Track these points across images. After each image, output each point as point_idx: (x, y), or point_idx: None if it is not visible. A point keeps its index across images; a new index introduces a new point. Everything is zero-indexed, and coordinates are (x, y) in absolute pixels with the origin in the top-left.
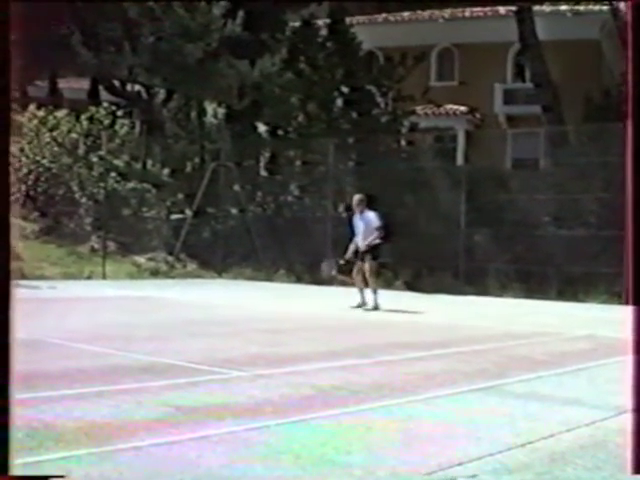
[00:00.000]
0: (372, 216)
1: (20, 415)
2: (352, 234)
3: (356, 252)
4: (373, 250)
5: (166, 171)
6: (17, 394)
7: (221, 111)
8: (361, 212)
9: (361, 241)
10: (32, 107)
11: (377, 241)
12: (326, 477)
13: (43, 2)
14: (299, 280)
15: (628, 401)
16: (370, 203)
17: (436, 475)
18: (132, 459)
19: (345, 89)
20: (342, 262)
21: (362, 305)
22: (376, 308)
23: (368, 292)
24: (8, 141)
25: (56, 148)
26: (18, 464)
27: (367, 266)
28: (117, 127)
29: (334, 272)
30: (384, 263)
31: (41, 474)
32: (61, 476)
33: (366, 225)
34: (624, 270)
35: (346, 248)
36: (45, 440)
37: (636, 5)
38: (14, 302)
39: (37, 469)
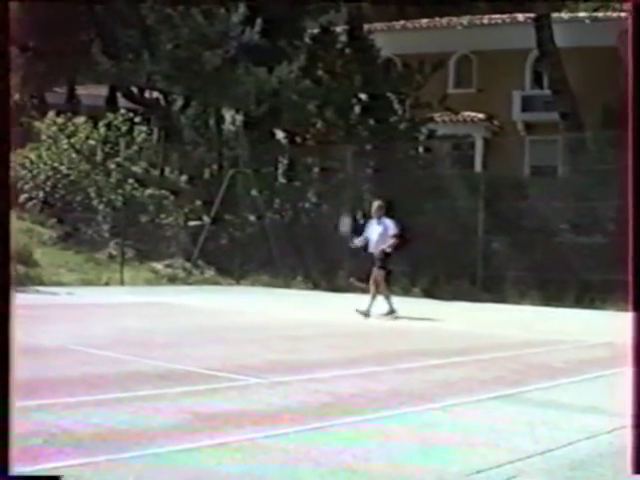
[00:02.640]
0: (389, 223)
1: (40, 421)
2: (364, 238)
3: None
4: (384, 258)
5: (184, 178)
6: (37, 400)
7: (239, 118)
8: (379, 218)
9: (374, 247)
10: (51, 114)
11: (389, 249)
12: None
13: (62, 9)
14: (316, 287)
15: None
16: (388, 210)
17: None
18: (150, 466)
19: (363, 96)
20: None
21: (392, 312)
22: (392, 312)
23: (379, 298)
24: (8, 145)
25: (74, 155)
26: (37, 469)
27: (376, 272)
28: (135, 134)
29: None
30: (390, 271)
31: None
32: (56, 477)
33: (384, 231)
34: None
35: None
36: (64, 446)
37: (636, 5)
38: (14, 303)
39: (56, 475)
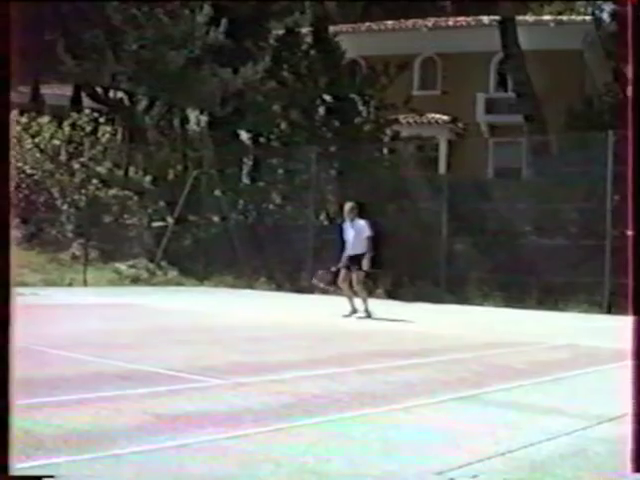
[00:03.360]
0: (363, 225)
1: None
2: (342, 242)
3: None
4: (361, 259)
5: (148, 178)
6: None
7: (203, 119)
8: (352, 220)
9: (350, 249)
10: (14, 113)
11: (366, 251)
12: None
13: (26, 8)
14: (280, 288)
15: (610, 411)
16: (361, 212)
17: None
18: (112, 467)
19: (328, 97)
20: (335, 270)
21: (354, 313)
22: (369, 316)
23: (357, 300)
24: (8, 144)
25: (38, 154)
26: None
27: (355, 276)
28: (99, 134)
29: (324, 285)
30: (367, 272)
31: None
32: (51, 476)
33: (357, 233)
34: (605, 279)
35: (339, 257)
36: (25, 447)
37: (636, 5)
38: (15, 303)
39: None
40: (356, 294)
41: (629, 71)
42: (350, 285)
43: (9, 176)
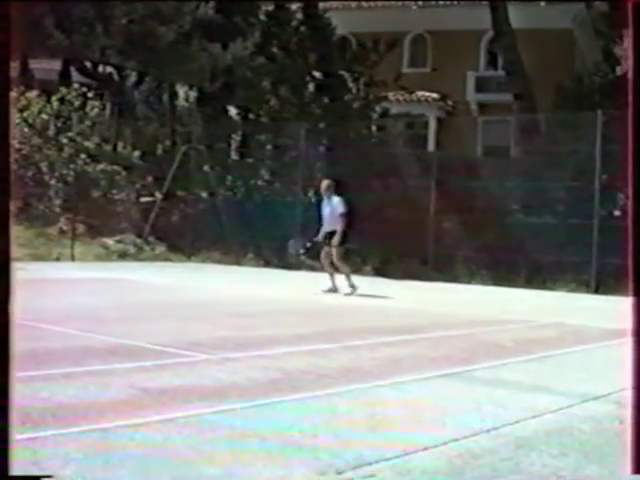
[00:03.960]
0: (337, 202)
1: None
2: (321, 218)
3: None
4: (340, 236)
5: (136, 153)
6: None
7: (193, 94)
8: (328, 197)
9: (326, 226)
10: None
11: (343, 227)
12: (292, 460)
13: None
14: (267, 264)
15: (596, 389)
16: (338, 188)
17: (400, 459)
18: (98, 441)
19: (317, 74)
20: (309, 244)
21: (334, 290)
22: (353, 289)
23: (339, 277)
24: (8, 125)
25: (26, 129)
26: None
27: (334, 251)
28: (88, 109)
29: (301, 252)
30: (349, 248)
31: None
32: (49, 476)
33: (331, 210)
34: (593, 259)
35: (317, 231)
36: (12, 421)
37: (636, 5)
38: (14, 302)
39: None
40: (338, 270)
41: (629, 71)
42: (331, 262)
43: (9, 158)
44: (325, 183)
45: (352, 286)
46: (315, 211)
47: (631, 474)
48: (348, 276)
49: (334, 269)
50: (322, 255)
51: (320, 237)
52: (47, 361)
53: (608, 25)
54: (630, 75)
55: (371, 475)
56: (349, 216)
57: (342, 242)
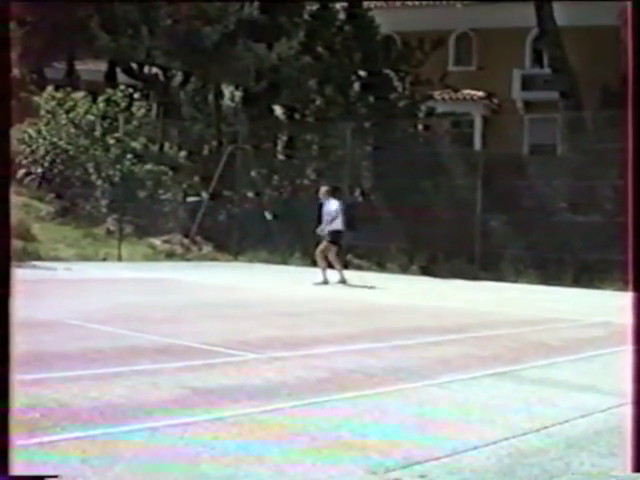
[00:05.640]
0: (332, 204)
1: (37, 395)
2: (319, 219)
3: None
4: (334, 234)
5: (183, 154)
6: (35, 374)
7: (238, 94)
8: (326, 201)
9: (323, 225)
10: (49, 89)
11: (336, 227)
12: (341, 460)
13: None
14: (314, 263)
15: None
16: (334, 194)
17: (450, 459)
18: (147, 440)
19: (363, 73)
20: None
21: (325, 282)
22: (343, 282)
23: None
24: (9, 122)
25: (73, 130)
26: (33, 443)
27: (321, 246)
28: (134, 109)
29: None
30: (340, 245)
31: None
32: (55, 476)
33: (329, 212)
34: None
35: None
36: (61, 420)
37: (636, 5)
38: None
39: (52, 448)
40: (331, 265)
41: (629, 71)
42: (325, 258)
43: (10, 156)
44: (323, 189)
45: (342, 279)
46: (362, 210)
47: (632, 472)
48: (340, 271)
49: (327, 264)
50: (317, 251)
51: (319, 232)
52: (96, 360)
53: None
54: (630, 75)
55: (421, 475)
56: (345, 218)
57: (335, 241)
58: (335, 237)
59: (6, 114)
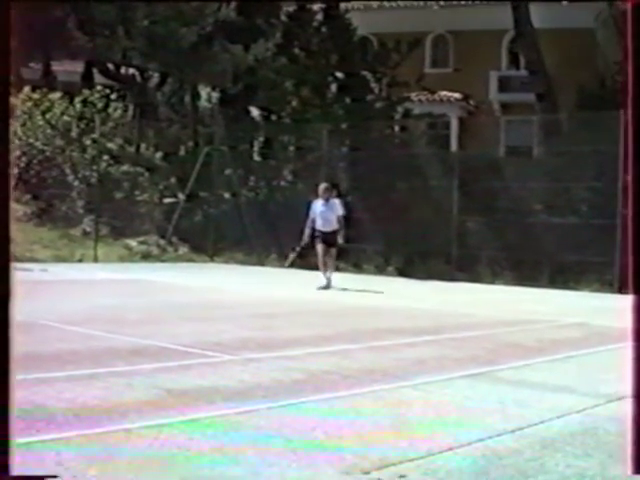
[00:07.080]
0: (337, 203)
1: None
2: (306, 219)
3: (312, 236)
4: (335, 236)
5: (159, 155)
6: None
7: (215, 95)
8: (326, 199)
9: (322, 226)
10: (26, 89)
11: (339, 228)
12: (316, 461)
13: None
14: (290, 265)
15: (620, 390)
16: (334, 192)
17: (425, 460)
18: (122, 441)
19: (339, 74)
20: (298, 249)
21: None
22: (328, 286)
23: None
24: (8, 123)
25: (49, 131)
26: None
27: (333, 251)
28: (110, 110)
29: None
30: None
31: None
32: (55, 476)
33: (331, 212)
34: (616, 258)
35: (300, 232)
36: (36, 422)
37: (636, 5)
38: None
39: (27, 449)
40: (325, 265)
41: (629, 71)
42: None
43: (9, 158)
44: (323, 186)
45: (328, 281)
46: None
47: (631, 474)
48: (331, 273)
49: (322, 264)
50: (320, 253)
51: (306, 239)
52: (71, 362)
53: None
54: (630, 75)
55: (401, 476)
56: (346, 217)
57: (333, 243)
58: (334, 238)
59: (5, 114)
